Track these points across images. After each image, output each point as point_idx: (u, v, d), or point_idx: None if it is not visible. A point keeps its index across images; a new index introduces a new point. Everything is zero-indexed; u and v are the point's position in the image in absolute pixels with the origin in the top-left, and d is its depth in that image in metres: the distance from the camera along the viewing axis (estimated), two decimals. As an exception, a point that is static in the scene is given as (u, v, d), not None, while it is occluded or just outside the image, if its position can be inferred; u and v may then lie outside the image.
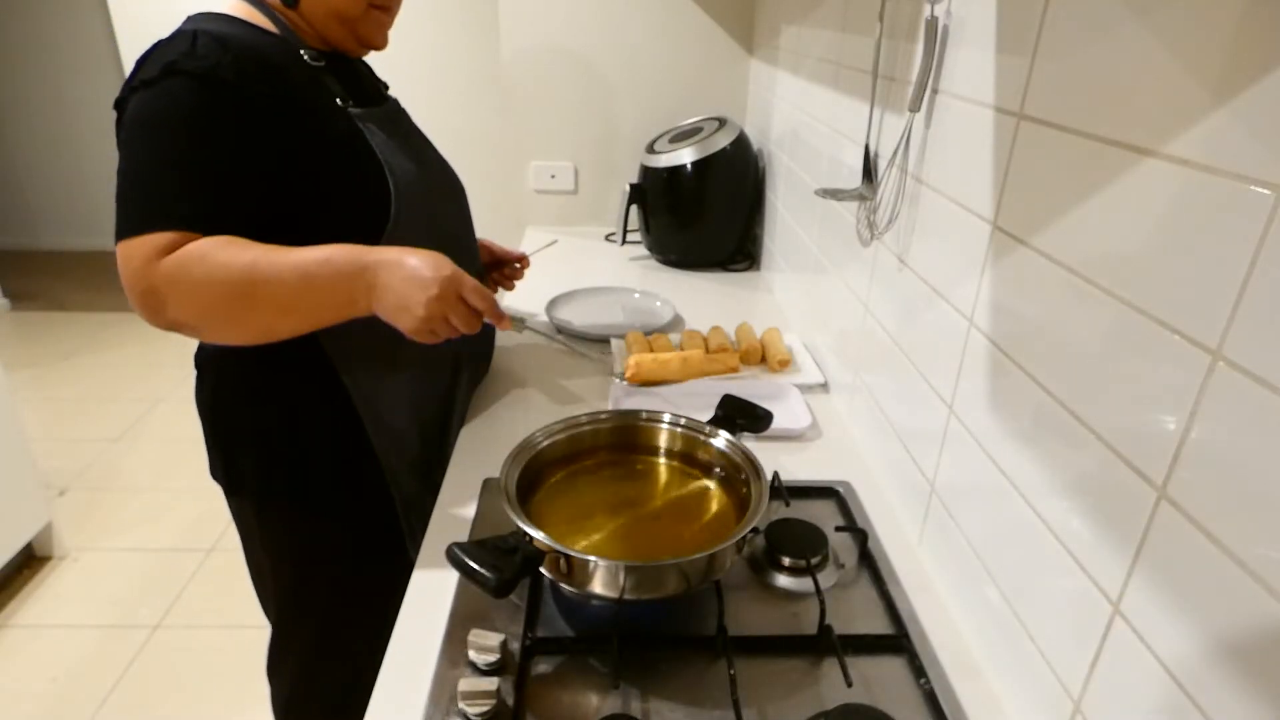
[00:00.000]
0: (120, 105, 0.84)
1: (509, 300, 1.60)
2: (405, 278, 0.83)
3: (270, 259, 0.81)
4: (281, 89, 0.86)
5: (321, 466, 1.00)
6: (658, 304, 1.55)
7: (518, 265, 1.29)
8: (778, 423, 1.09)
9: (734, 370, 1.28)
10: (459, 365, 1.13)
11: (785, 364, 1.28)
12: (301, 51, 0.91)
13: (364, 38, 0.96)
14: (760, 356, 1.32)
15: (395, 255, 0.84)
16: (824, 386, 1.25)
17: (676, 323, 1.50)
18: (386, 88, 1.13)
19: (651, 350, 1.29)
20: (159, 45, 0.84)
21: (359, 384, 0.97)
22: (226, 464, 1.01)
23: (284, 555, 1.07)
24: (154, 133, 0.81)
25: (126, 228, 0.80)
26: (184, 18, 0.90)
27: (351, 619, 1.09)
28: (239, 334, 0.87)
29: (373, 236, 0.91)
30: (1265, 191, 0.42)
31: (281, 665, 1.19)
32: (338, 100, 0.92)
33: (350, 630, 1.08)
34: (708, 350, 1.32)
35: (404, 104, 1.10)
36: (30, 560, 2.14)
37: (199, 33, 0.83)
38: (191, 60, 0.81)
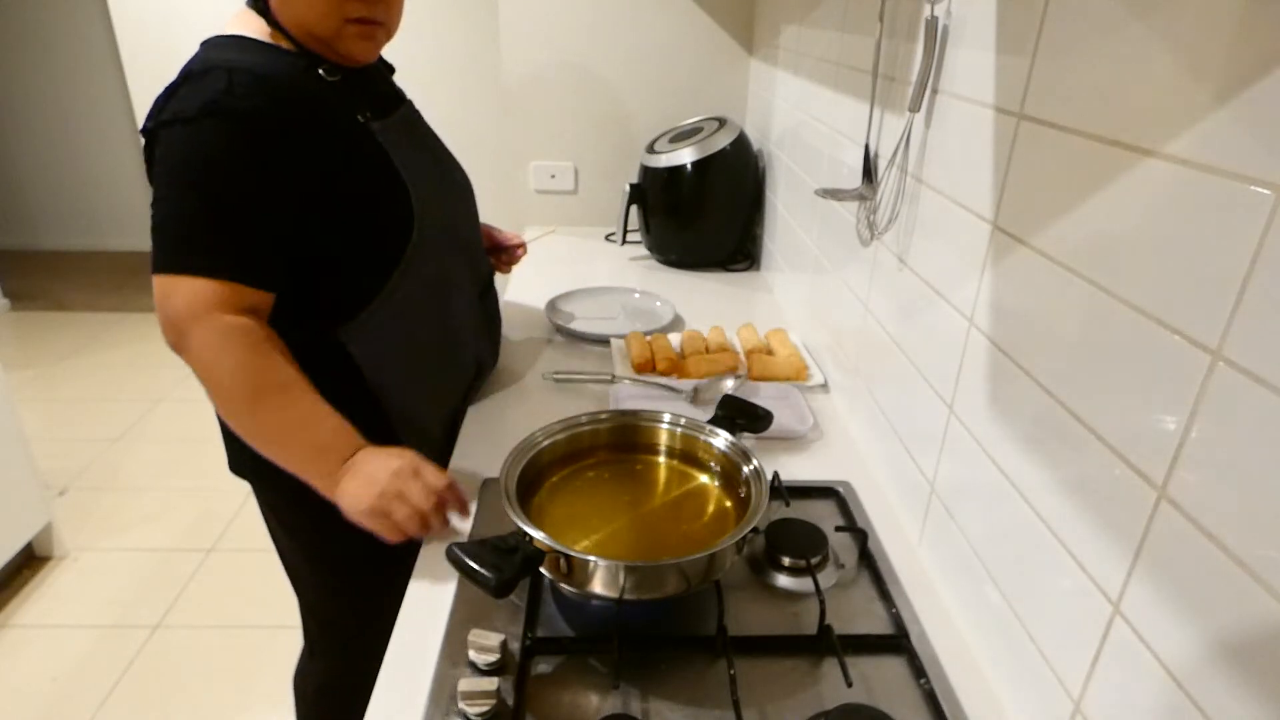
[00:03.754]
0: (151, 135, 0.85)
1: (512, 296, 1.60)
2: (376, 464, 0.85)
3: (298, 387, 0.86)
4: (313, 119, 0.88)
5: None
6: (658, 304, 1.55)
7: (517, 250, 1.33)
8: (781, 423, 1.09)
9: (734, 369, 1.27)
10: (481, 367, 1.16)
11: (801, 372, 1.25)
12: (320, 70, 0.91)
13: (344, 54, 0.92)
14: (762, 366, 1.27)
15: (381, 450, 0.87)
16: (824, 387, 1.25)
17: (676, 323, 1.50)
18: (391, 70, 1.13)
19: (651, 350, 1.29)
20: (191, 79, 0.84)
21: (387, 384, 0.99)
22: (244, 456, 1.00)
23: (316, 548, 1.09)
24: (199, 174, 0.83)
25: (171, 264, 0.83)
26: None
27: (384, 607, 1.11)
28: (227, 403, 0.88)
29: (395, 253, 0.96)
30: (1265, 191, 0.42)
31: (315, 660, 1.21)
32: (359, 117, 0.93)
33: (383, 620, 1.11)
34: (708, 350, 1.32)
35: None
36: (30, 560, 2.14)
37: (234, 70, 0.84)
38: (231, 100, 0.82)
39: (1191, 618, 0.47)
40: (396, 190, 0.95)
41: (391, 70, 1.14)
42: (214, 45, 0.89)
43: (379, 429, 0.97)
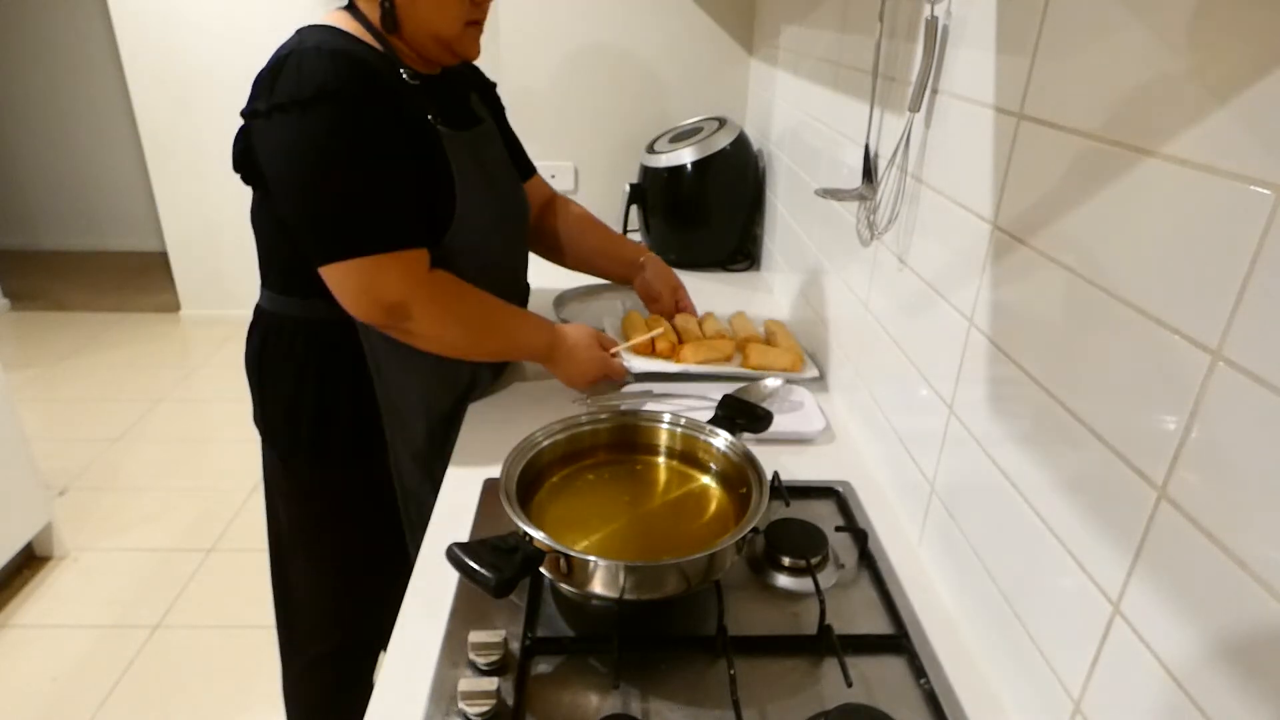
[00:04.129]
0: (259, 120, 0.89)
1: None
2: (577, 366, 1.13)
3: (499, 314, 1.05)
4: (398, 107, 0.94)
5: (339, 433, 1.07)
6: None
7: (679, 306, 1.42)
8: (790, 426, 1.09)
9: (728, 358, 1.25)
10: (476, 374, 1.17)
11: (798, 364, 1.25)
12: (401, 70, 0.98)
13: (461, 52, 1.01)
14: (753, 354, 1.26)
15: (574, 341, 1.12)
16: (820, 380, 1.25)
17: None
18: (492, 86, 1.25)
19: (648, 328, 1.27)
20: (289, 59, 0.87)
21: (380, 368, 1.04)
22: (264, 412, 1.10)
23: (302, 504, 1.14)
24: (347, 154, 0.88)
25: (366, 245, 0.90)
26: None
27: (358, 575, 1.17)
28: (445, 352, 1.04)
29: (434, 246, 1.00)
30: (1265, 191, 0.42)
31: (289, 627, 1.23)
32: (429, 117, 0.99)
33: (359, 599, 1.18)
34: (703, 335, 1.30)
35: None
36: (30, 560, 2.14)
37: (336, 53, 0.88)
38: (342, 82, 0.87)
39: (1191, 618, 0.47)
40: (443, 193, 1.00)
41: (490, 86, 1.25)
42: (312, 31, 0.93)
43: (366, 412, 1.06)
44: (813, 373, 1.25)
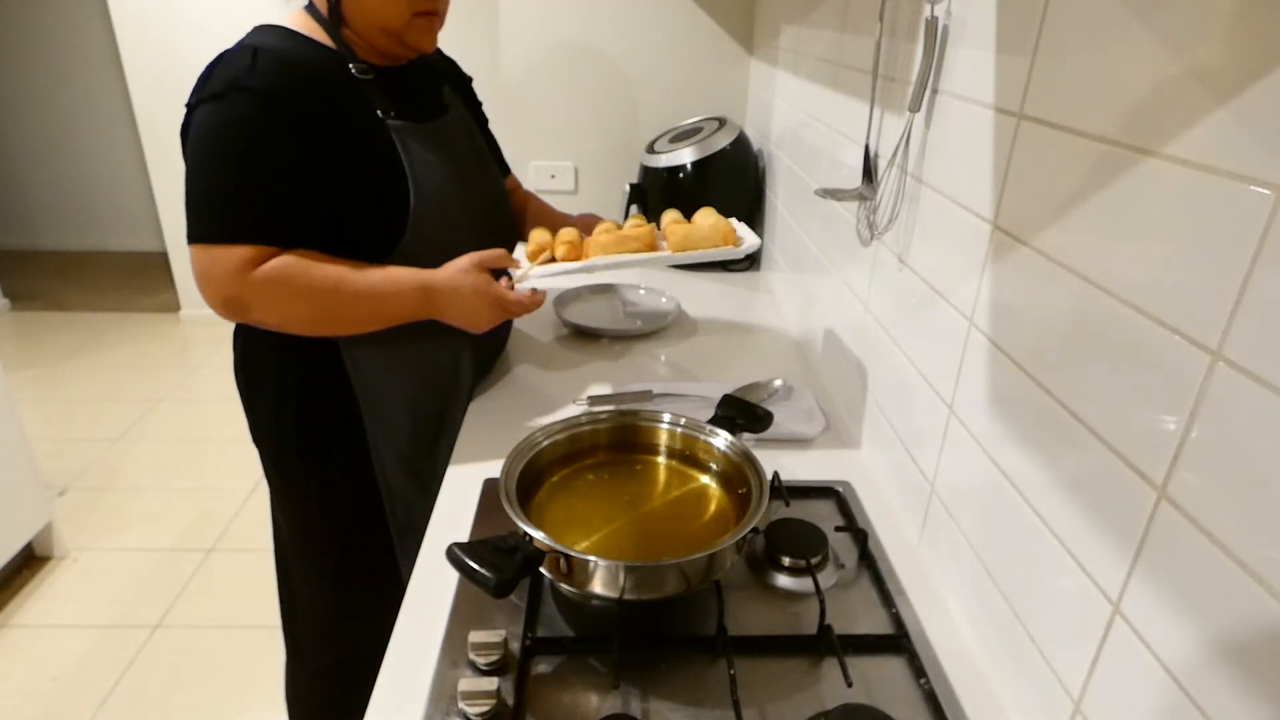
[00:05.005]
0: (188, 114, 0.91)
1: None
2: (462, 309, 1.01)
3: (349, 283, 0.95)
4: (329, 103, 0.93)
5: (324, 435, 1.07)
6: (663, 300, 1.55)
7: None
8: (790, 426, 1.09)
9: (652, 247, 1.08)
10: (458, 371, 1.14)
11: (729, 237, 1.08)
12: (350, 66, 0.97)
13: (411, 44, 1.00)
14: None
15: (449, 283, 0.99)
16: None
17: (681, 318, 1.51)
18: (468, 80, 1.23)
19: (553, 239, 1.11)
20: (223, 59, 0.90)
21: (359, 367, 1.04)
22: (253, 418, 1.10)
23: (299, 506, 1.14)
24: (224, 144, 0.89)
25: (206, 234, 0.90)
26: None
27: (358, 581, 1.17)
28: (314, 333, 1.00)
29: (382, 250, 1.00)
30: (1265, 191, 0.42)
31: (295, 635, 1.24)
32: (379, 112, 0.98)
33: (358, 594, 1.17)
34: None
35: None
36: (30, 560, 2.14)
37: (259, 50, 0.89)
38: (253, 78, 0.88)
39: (1191, 618, 0.47)
40: (397, 189, 0.98)
41: (467, 80, 1.23)
42: (254, 31, 0.95)
43: (350, 414, 1.05)
44: (751, 242, 1.11)
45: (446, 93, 1.14)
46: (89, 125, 4.33)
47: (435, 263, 1.01)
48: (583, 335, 1.42)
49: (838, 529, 0.90)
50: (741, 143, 1.74)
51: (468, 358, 1.15)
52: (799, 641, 0.75)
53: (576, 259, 1.08)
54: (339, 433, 1.07)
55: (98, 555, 2.19)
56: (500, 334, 1.27)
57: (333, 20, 0.97)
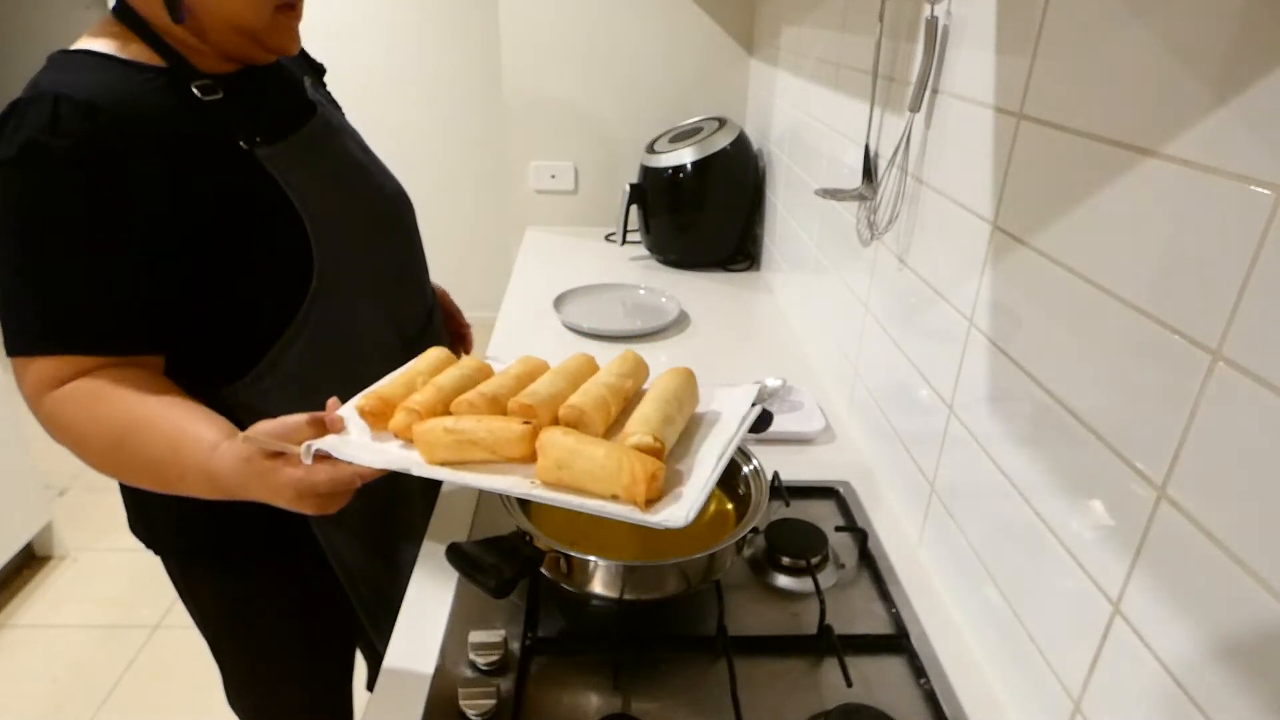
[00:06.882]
0: None
1: (513, 293, 1.60)
2: (267, 496, 0.67)
3: (135, 437, 0.70)
4: (169, 148, 0.73)
5: (246, 526, 0.86)
6: (663, 300, 1.55)
7: (463, 333, 1.18)
8: (790, 426, 1.09)
9: (512, 459, 0.67)
10: None
11: (632, 489, 0.61)
12: (193, 87, 0.76)
13: (274, 46, 0.81)
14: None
15: (235, 478, 0.67)
16: (819, 382, 1.25)
17: (682, 320, 1.51)
18: (323, 71, 1.02)
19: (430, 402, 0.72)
20: (15, 111, 0.69)
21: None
22: (145, 520, 0.92)
23: (213, 616, 1.02)
24: (18, 226, 0.69)
25: (13, 345, 0.71)
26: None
27: (302, 681, 1.08)
28: (120, 477, 0.78)
29: (290, 302, 0.82)
30: (1265, 191, 0.42)
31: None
32: (241, 143, 0.78)
33: (304, 691, 1.09)
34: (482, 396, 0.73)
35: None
36: (30, 560, 2.14)
37: (60, 99, 0.68)
38: (55, 137, 0.67)
39: (1191, 617, 0.47)
40: (288, 227, 0.81)
41: (321, 71, 1.02)
42: (53, 65, 0.74)
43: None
44: (685, 513, 0.60)
45: (307, 86, 0.92)
46: (89, 125, 4.33)
47: (357, 296, 0.86)
48: (582, 335, 1.42)
49: (838, 529, 0.90)
50: (741, 143, 1.74)
51: None
52: (799, 641, 0.75)
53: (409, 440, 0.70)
54: (261, 523, 0.80)
55: (98, 555, 2.19)
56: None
57: (174, 17, 0.73)
